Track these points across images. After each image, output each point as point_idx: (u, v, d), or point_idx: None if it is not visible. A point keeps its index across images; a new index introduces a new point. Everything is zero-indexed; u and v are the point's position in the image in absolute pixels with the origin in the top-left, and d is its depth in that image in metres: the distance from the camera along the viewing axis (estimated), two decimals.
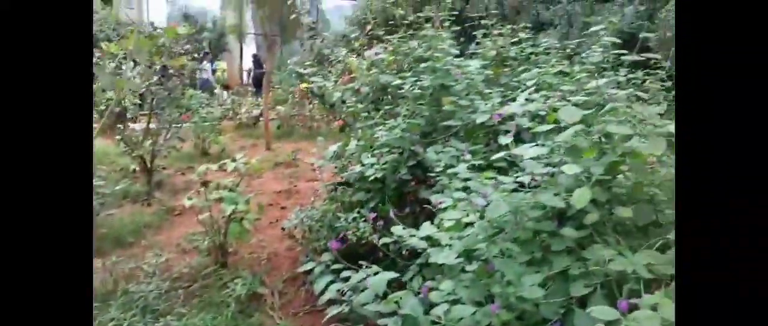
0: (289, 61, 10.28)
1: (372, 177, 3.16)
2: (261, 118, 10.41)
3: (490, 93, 3.23)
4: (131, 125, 8.10)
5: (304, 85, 13.43)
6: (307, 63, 12.86)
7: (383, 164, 3.19)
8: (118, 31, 12.59)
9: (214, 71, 14.03)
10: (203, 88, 11.59)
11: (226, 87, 14.16)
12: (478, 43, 4.35)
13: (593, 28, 3.03)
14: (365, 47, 6.66)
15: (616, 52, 2.82)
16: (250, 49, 19.64)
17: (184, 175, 6.28)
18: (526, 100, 2.78)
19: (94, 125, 8.66)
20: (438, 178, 2.60)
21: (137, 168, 5.85)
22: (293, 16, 6.90)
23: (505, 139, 2.16)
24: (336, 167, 3.91)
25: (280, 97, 10.98)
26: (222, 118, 9.02)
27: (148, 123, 5.64)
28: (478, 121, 2.85)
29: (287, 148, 8.05)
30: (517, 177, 2.08)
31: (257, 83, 13.94)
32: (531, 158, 1.94)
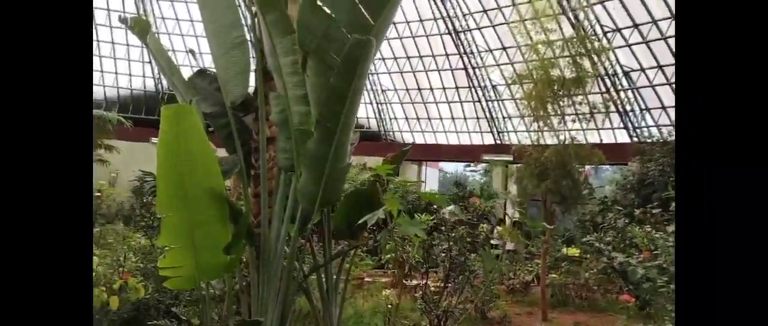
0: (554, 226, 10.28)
1: None
2: (532, 284, 10.39)
3: None
4: (410, 282, 9.04)
5: (572, 251, 13.01)
6: (577, 229, 12.56)
7: None
8: (406, 198, 14.66)
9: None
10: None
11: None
12: None
13: None
14: (658, 219, 6.37)
15: None
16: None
17: None
18: None
19: (386, 278, 9.87)
20: None
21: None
22: (585, 191, 7.15)
23: None
24: None
25: (549, 263, 10.86)
26: (497, 283, 9.35)
27: (445, 284, 6.31)
28: None
29: (564, 319, 7.78)
30: None
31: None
32: None
